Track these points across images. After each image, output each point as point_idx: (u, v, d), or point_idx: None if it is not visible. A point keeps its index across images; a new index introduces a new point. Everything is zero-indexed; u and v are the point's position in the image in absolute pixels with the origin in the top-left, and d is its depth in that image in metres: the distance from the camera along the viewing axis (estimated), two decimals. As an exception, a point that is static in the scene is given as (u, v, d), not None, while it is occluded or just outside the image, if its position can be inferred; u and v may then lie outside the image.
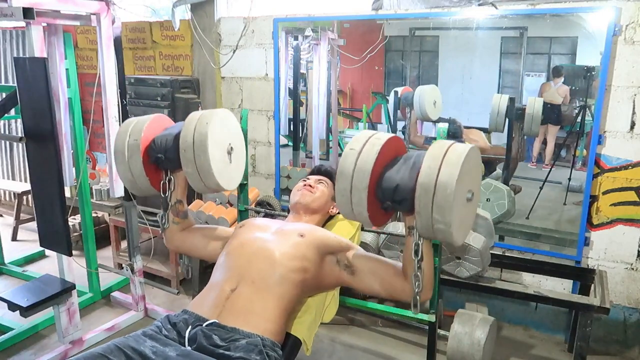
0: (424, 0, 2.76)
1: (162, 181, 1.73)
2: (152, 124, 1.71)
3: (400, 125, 3.33)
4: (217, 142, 1.63)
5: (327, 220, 2.01)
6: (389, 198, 1.36)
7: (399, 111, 3.13)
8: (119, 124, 2.57)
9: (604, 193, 2.51)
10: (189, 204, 2.96)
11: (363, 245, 2.30)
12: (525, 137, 2.84)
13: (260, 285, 1.54)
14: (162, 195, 1.75)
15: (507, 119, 2.78)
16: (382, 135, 1.40)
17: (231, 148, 1.72)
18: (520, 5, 2.54)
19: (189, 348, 1.42)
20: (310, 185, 1.96)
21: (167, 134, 1.68)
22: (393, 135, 1.42)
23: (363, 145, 1.37)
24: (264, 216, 2.48)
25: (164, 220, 1.80)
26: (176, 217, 1.81)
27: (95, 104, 2.55)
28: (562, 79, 2.69)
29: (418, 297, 1.48)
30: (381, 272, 1.61)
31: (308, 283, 1.63)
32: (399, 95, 3.07)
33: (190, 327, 1.48)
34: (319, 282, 1.69)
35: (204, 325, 1.47)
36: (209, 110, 1.67)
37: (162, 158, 1.66)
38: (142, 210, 3.08)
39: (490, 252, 2.35)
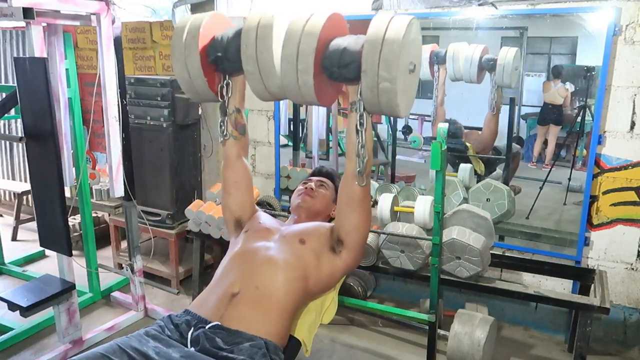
0: (424, 0, 2.76)
1: (220, 84, 1.63)
2: (211, 22, 1.59)
3: (400, 125, 3.34)
4: (281, 41, 1.48)
5: (328, 222, 2.01)
6: (335, 63, 1.36)
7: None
8: (119, 124, 2.57)
9: (604, 193, 2.51)
10: (189, 203, 2.99)
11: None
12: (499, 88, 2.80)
13: (264, 291, 1.54)
14: (220, 101, 1.66)
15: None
16: (327, 11, 1.41)
17: None
18: (520, 5, 2.54)
19: (192, 349, 1.42)
20: (312, 189, 1.96)
21: (228, 31, 1.58)
22: (336, 12, 1.44)
23: (310, 15, 1.39)
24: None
25: (223, 128, 1.71)
26: (234, 130, 1.72)
27: (95, 104, 2.55)
28: (561, 79, 2.70)
29: (365, 167, 1.49)
30: (340, 205, 1.62)
31: (310, 289, 1.65)
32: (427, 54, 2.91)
33: (192, 328, 1.48)
34: (323, 284, 1.70)
35: (207, 327, 1.47)
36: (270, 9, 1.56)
37: (222, 57, 1.55)
38: (142, 210, 3.08)
39: (490, 252, 2.35)
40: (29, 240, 4.15)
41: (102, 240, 3.70)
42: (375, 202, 2.49)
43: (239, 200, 1.83)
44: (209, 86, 1.60)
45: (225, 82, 1.63)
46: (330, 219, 2.03)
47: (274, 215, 2.53)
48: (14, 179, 4.64)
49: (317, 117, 3.39)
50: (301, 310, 1.71)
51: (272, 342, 1.47)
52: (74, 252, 2.48)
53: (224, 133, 1.71)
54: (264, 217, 1.87)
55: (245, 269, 1.61)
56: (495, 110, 2.87)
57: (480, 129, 2.99)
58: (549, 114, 2.82)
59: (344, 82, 1.43)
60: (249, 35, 1.46)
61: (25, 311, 2.27)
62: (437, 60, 2.90)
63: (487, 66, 2.76)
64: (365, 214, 1.62)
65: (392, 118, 3.21)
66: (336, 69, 1.37)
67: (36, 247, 3.68)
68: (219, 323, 1.47)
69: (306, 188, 1.97)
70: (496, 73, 2.73)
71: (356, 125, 1.44)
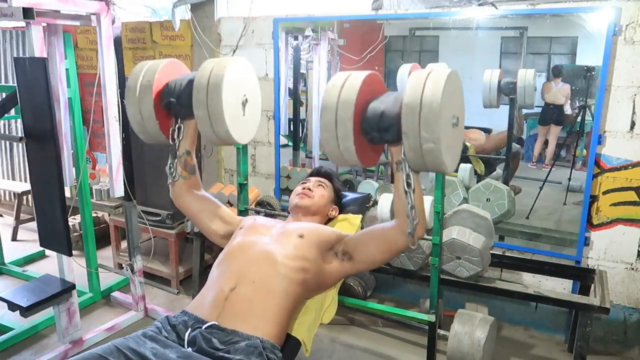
0: (424, 0, 2.76)
1: (172, 128, 1.66)
2: (167, 68, 1.63)
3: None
4: (233, 89, 1.54)
5: (326, 223, 2.01)
6: (374, 127, 1.34)
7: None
8: (119, 124, 2.57)
9: (604, 193, 2.51)
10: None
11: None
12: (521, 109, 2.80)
13: (261, 285, 1.54)
14: (171, 143, 1.68)
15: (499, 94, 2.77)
16: (363, 72, 1.40)
17: (246, 100, 1.62)
18: (520, 5, 2.53)
19: (189, 349, 1.42)
20: (309, 189, 1.96)
21: (182, 78, 1.62)
22: (372, 71, 1.42)
23: (345, 80, 1.37)
24: (264, 216, 2.48)
25: (172, 170, 1.73)
26: (184, 171, 1.74)
27: (95, 104, 2.55)
28: (561, 79, 2.69)
29: (415, 230, 1.45)
30: (373, 237, 1.63)
31: (309, 284, 1.64)
32: (408, 71, 2.87)
33: (189, 329, 1.48)
34: (321, 281, 1.69)
35: (204, 327, 1.46)
36: (228, 57, 1.59)
37: (174, 102, 1.59)
38: (142, 210, 3.08)
39: (490, 252, 2.35)
40: (29, 240, 4.15)
41: (102, 240, 3.70)
42: (375, 202, 2.49)
43: (216, 219, 1.83)
44: (160, 129, 1.63)
45: (177, 125, 1.66)
46: (328, 220, 2.03)
47: (273, 216, 2.53)
48: (14, 179, 4.63)
49: (317, 117, 3.39)
50: (300, 308, 1.71)
51: (269, 341, 1.47)
52: (74, 252, 2.48)
53: (173, 175, 1.73)
54: (258, 218, 1.89)
55: (241, 263, 1.60)
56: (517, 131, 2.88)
57: (480, 128, 2.99)
58: (550, 114, 2.82)
59: (386, 144, 1.42)
60: (201, 82, 1.51)
61: (25, 311, 2.27)
62: None
63: (506, 90, 2.75)
64: (390, 257, 1.68)
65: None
66: (376, 134, 1.35)
67: (36, 247, 3.68)
68: (216, 323, 1.47)
69: (304, 188, 1.97)
70: (517, 95, 2.71)
71: (404, 186, 1.40)
